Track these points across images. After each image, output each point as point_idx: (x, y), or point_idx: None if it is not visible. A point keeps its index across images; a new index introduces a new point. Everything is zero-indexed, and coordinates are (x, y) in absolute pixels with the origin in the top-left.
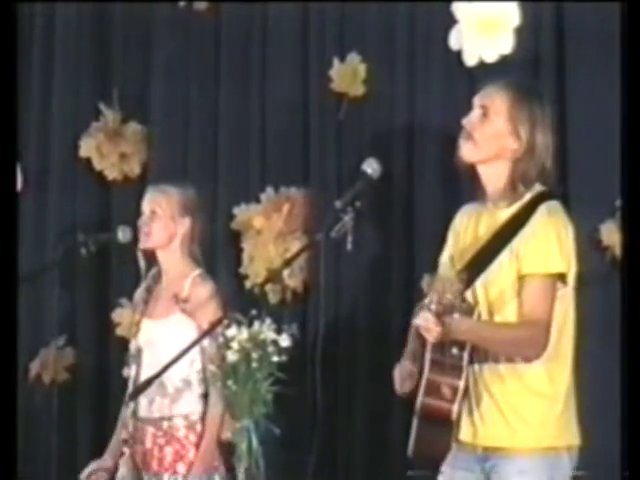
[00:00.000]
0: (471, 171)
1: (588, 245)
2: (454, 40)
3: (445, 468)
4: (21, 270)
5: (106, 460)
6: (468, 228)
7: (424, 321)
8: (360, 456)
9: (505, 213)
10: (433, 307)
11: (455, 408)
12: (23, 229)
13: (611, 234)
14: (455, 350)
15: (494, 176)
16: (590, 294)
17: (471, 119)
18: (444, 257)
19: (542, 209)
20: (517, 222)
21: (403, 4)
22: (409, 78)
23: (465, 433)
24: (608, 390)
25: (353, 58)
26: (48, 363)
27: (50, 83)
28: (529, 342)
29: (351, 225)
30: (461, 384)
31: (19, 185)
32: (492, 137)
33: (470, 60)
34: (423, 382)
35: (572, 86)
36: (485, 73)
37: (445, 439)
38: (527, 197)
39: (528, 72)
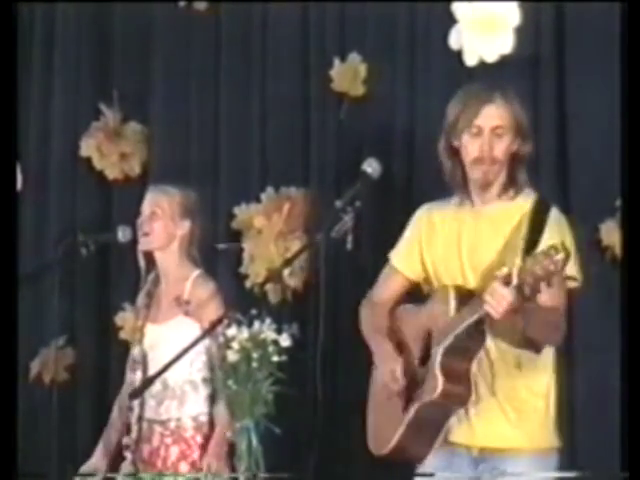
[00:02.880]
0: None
1: (588, 245)
2: (454, 40)
3: (433, 470)
4: (21, 270)
5: (96, 461)
6: (448, 228)
7: (501, 289)
8: (360, 456)
9: (498, 209)
10: (527, 284)
11: (474, 394)
12: (23, 229)
13: (611, 234)
14: (478, 334)
15: (492, 177)
16: (590, 294)
17: (496, 147)
18: (405, 258)
19: (555, 212)
20: (536, 226)
21: (403, 4)
22: (409, 78)
23: (459, 434)
24: (608, 390)
25: (354, 58)
26: (48, 363)
27: (50, 83)
28: (556, 328)
29: (351, 225)
30: (474, 368)
31: (19, 185)
32: (507, 150)
33: (470, 60)
34: (438, 368)
35: (572, 86)
36: (485, 73)
37: (431, 439)
38: (531, 199)
39: (528, 72)
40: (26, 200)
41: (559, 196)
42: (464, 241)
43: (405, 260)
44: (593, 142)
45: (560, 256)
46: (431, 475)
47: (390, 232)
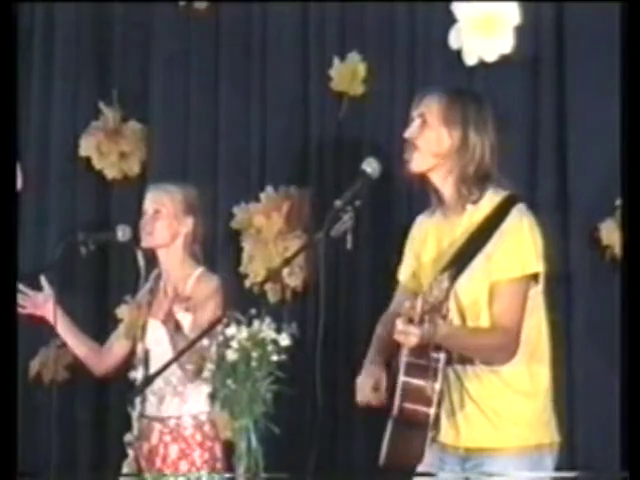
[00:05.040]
0: (425, 182)
1: (587, 244)
2: (454, 40)
3: (425, 469)
4: (21, 270)
5: None
6: (427, 241)
7: (404, 327)
8: (360, 456)
9: (463, 217)
10: (416, 311)
11: (432, 411)
12: (23, 229)
13: (611, 233)
14: (432, 352)
15: (444, 182)
16: (590, 294)
17: (412, 130)
18: (405, 272)
19: (515, 212)
20: (490, 225)
21: (403, 4)
22: (409, 77)
23: (447, 435)
24: (608, 390)
25: (353, 57)
26: (48, 362)
27: (50, 83)
28: (499, 349)
29: (351, 224)
30: (437, 386)
31: (19, 185)
32: (434, 141)
33: (470, 60)
34: (399, 386)
35: (572, 86)
36: (485, 73)
37: (419, 444)
38: (496, 200)
39: (528, 72)
40: (26, 200)
41: (559, 196)
42: (441, 251)
43: (406, 274)
44: (593, 142)
45: (445, 284)
46: (432, 475)
47: (390, 232)
